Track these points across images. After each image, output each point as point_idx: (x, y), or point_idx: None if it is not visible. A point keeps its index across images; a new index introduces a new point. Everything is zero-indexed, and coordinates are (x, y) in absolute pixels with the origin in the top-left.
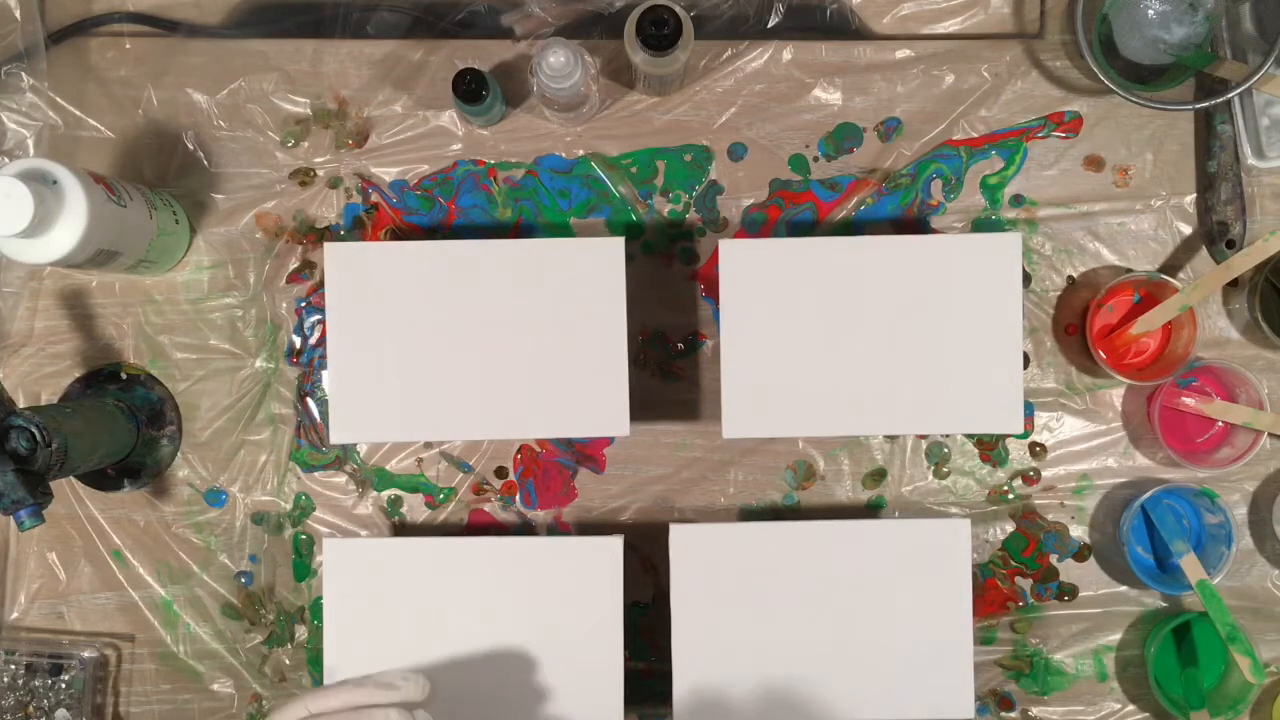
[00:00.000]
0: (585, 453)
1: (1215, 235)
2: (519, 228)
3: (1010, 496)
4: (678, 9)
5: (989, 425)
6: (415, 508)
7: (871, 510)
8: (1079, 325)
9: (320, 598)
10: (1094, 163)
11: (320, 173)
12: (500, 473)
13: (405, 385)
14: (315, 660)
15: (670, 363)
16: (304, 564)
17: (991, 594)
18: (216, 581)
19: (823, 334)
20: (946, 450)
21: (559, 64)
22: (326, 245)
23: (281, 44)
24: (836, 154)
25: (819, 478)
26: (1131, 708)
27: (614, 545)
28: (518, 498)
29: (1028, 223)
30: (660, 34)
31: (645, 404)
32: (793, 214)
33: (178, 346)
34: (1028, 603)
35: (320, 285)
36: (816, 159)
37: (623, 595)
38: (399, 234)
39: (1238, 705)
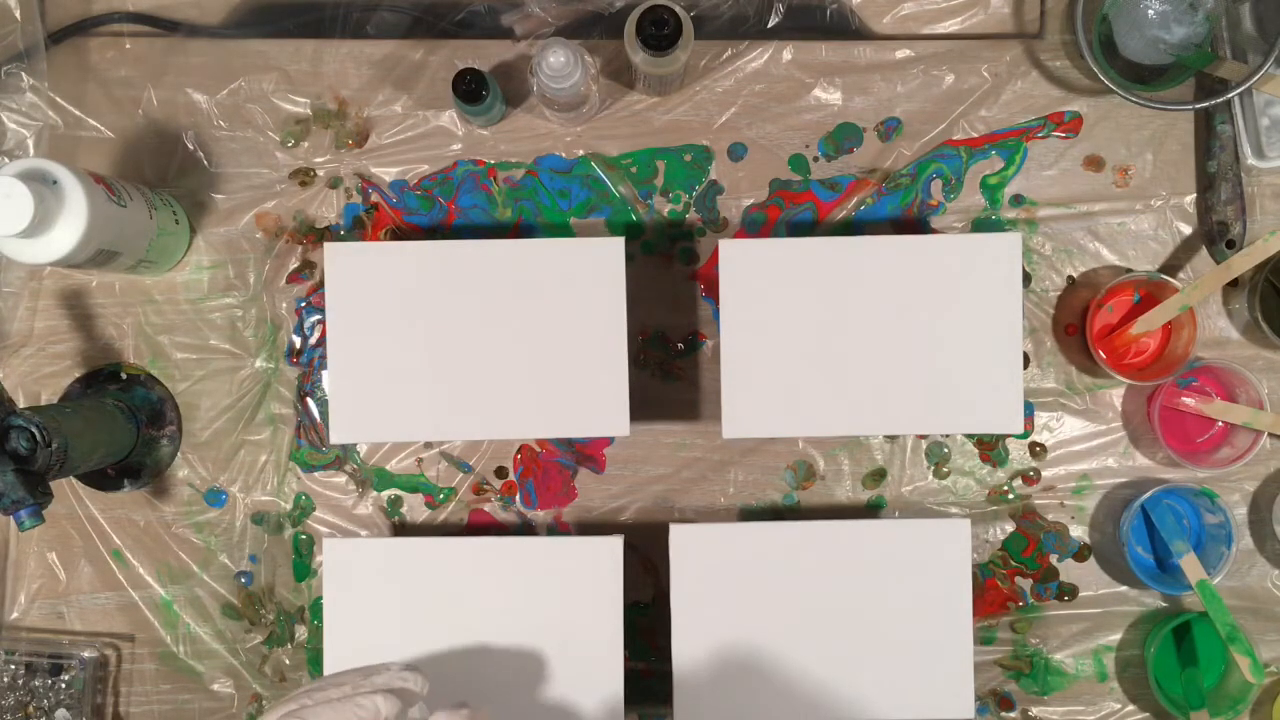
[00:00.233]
0: (585, 453)
1: (1215, 235)
2: (519, 228)
3: (1010, 496)
4: (678, 9)
5: (989, 425)
6: (415, 508)
7: (871, 510)
8: (1079, 325)
9: (320, 598)
10: (1094, 163)
11: (320, 173)
12: (500, 473)
13: (405, 385)
14: (315, 660)
15: (670, 363)
16: (304, 564)
17: (991, 594)
18: (216, 581)
19: (823, 334)
20: (946, 450)
21: (559, 64)
22: (326, 245)
23: (281, 44)
24: (836, 154)
25: (819, 478)
26: (1131, 708)
27: (614, 545)
28: (518, 498)
29: (1028, 223)
30: (660, 34)
31: (645, 404)
32: (793, 214)
33: (178, 346)
34: (1028, 603)
35: (320, 285)
36: (816, 159)
37: (623, 595)
38: (399, 234)
39: (1238, 705)
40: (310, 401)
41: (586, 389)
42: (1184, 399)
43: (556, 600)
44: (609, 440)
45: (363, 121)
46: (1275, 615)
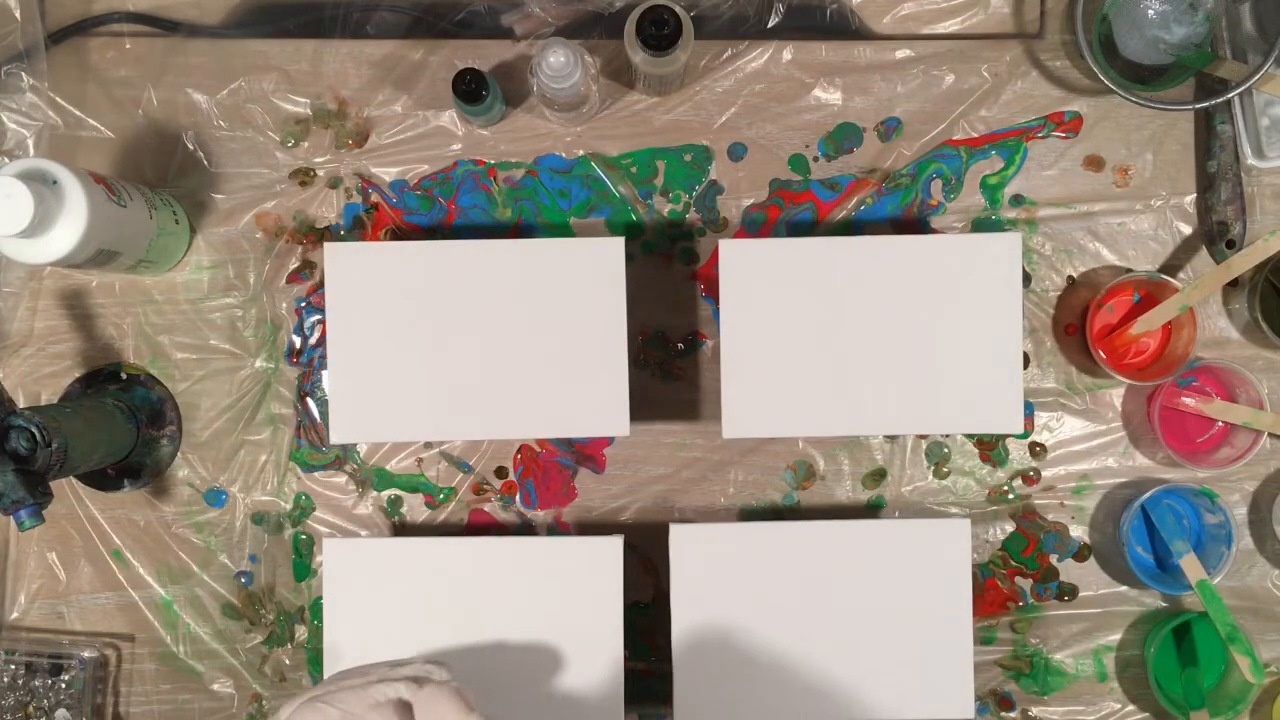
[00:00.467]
0: (585, 453)
1: (1215, 235)
2: (519, 228)
3: (1010, 496)
4: (678, 9)
5: (989, 425)
6: (415, 508)
7: (871, 510)
8: (1079, 325)
9: (320, 598)
10: (1094, 163)
11: (320, 173)
12: (500, 473)
13: (405, 385)
14: (315, 660)
15: (670, 363)
16: (304, 564)
17: (991, 594)
18: (216, 581)
19: (823, 334)
20: (946, 450)
21: (559, 64)
22: (326, 245)
23: (281, 44)
24: (836, 154)
25: (819, 478)
26: (1131, 708)
27: (614, 545)
28: (518, 498)
29: (1028, 223)
30: (660, 34)
31: (645, 404)
32: (793, 214)
33: (178, 346)
34: (1028, 603)
35: (320, 285)
36: (816, 159)
37: (623, 595)
38: (399, 234)
39: (1238, 705)
40: (310, 401)
41: (586, 389)
42: (1184, 399)
43: (556, 600)
44: (609, 440)
45: (363, 121)
46: (1275, 615)
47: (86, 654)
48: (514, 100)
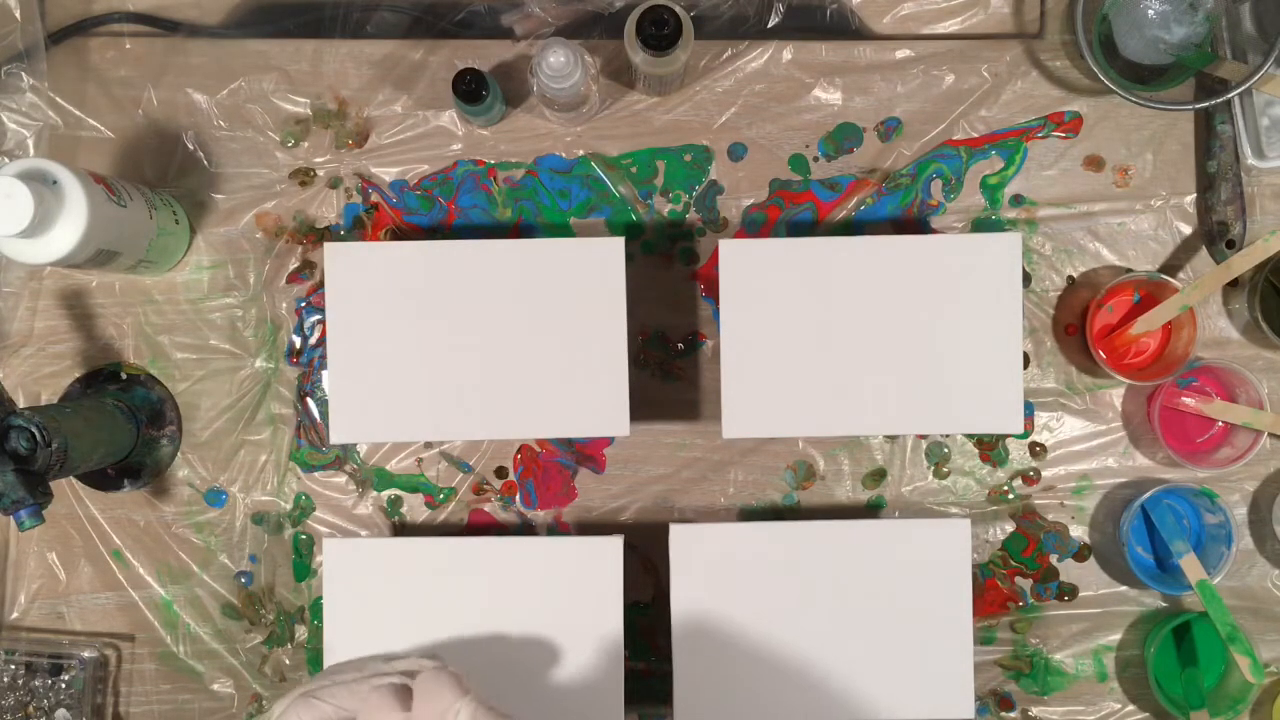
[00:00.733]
0: (585, 453)
1: (1215, 235)
2: (519, 228)
3: (1010, 496)
4: (678, 9)
5: (989, 425)
6: (415, 508)
7: (871, 510)
8: (1079, 325)
9: (320, 598)
10: (1094, 163)
11: (320, 173)
12: (500, 473)
13: (405, 385)
14: (315, 660)
15: (670, 363)
16: (304, 564)
17: (991, 594)
18: (216, 581)
19: (823, 334)
20: (946, 450)
21: (559, 64)
22: (326, 245)
23: (281, 44)
24: (836, 154)
25: (819, 478)
26: (1131, 708)
27: (614, 545)
28: (518, 498)
29: (1028, 223)
30: (660, 34)
31: (645, 404)
32: (793, 214)
33: (178, 346)
34: (1028, 603)
35: (320, 285)
36: (816, 159)
37: (623, 595)
38: (399, 234)
39: (1238, 705)
40: (310, 401)
41: (586, 389)
42: (1184, 399)
43: (556, 600)
44: (609, 440)
45: (363, 121)
46: (1275, 615)
47: (86, 654)
48: (514, 100)
